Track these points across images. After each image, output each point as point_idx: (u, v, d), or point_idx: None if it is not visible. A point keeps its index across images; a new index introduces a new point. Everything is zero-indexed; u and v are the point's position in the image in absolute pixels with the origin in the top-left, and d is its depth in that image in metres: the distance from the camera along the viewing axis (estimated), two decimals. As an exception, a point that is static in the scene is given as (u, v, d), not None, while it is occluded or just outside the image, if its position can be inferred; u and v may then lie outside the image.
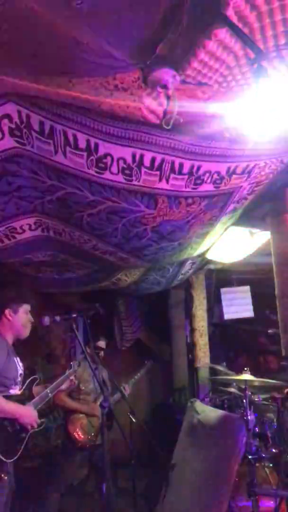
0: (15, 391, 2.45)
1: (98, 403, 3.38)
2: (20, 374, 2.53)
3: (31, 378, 2.62)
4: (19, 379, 2.51)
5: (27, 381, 2.58)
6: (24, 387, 2.53)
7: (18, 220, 2.59)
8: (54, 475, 3.54)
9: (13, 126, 1.84)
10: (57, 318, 2.74)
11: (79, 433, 3.50)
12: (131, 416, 3.44)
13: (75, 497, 3.63)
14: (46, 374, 5.01)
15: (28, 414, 2.38)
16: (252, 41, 1.47)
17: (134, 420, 3.43)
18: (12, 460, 2.27)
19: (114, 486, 3.67)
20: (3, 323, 2.54)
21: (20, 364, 2.57)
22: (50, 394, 2.63)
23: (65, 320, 2.84)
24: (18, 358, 2.57)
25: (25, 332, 2.61)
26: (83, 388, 3.64)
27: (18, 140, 1.92)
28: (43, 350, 5.52)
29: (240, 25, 1.43)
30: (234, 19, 1.41)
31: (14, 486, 2.40)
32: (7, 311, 2.53)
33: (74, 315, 2.82)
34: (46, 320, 2.68)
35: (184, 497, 3.10)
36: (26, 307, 2.61)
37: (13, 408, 2.33)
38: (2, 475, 2.21)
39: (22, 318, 2.58)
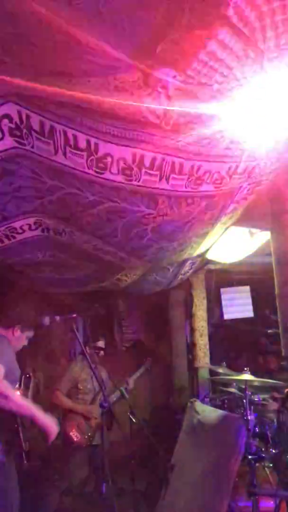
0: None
1: (97, 402, 3.39)
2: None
3: (25, 376, 2.69)
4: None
5: (22, 380, 2.65)
6: (21, 386, 2.58)
7: (18, 220, 2.59)
8: (54, 475, 3.53)
9: (13, 126, 1.83)
10: (57, 318, 2.75)
11: (76, 433, 3.50)
12: (131, 416, 3.44)
13: (75, 497, 3.62)
14: (46, 374, 5.01)
15: (51, 422, 2.37)
16: (253, 41, 1.47)
17: (134, 420, 3.43)
18: (27, 450, 2.32)
19: (114, 486, 3.66)
20: (7, 333, 2.58)
21: None
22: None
23: (65, 320, 2.86)
24: None
25: (18, 349, 2.67)
26: (81, 387, 3.64)
27: (18, 140, 1.92)
28: (43, 350, 5.52)
29: (240, 25, 1.43)
30: (234, 19, 1.41)
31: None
32: (16, 327, 2.58)
33: (74, 315, 2.84)
34: (46, 320, 2.70)
35: (184, 497, 3.10)
36: (29, 334, 2.67)
37: (32, 408, 2.33)
38: (26, 462, 2.29)
39: (21, 340, 2.64)
